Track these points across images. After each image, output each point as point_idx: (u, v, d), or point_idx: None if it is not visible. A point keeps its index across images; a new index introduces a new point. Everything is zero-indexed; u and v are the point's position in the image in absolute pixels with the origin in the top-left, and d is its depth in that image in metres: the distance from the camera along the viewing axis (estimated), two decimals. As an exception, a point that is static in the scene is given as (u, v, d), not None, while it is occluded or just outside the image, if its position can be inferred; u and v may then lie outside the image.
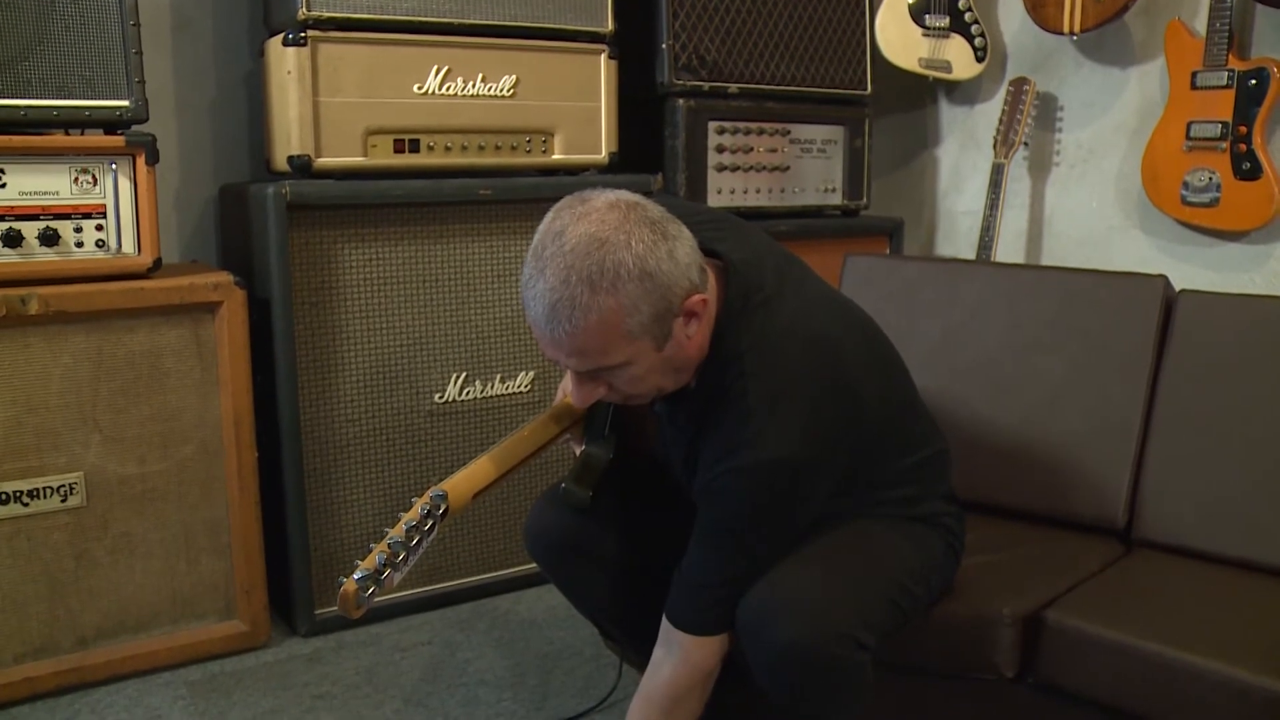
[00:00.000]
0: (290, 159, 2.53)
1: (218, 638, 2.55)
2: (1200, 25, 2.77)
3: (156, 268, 2.41)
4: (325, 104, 2.53)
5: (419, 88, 2.64)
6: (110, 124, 2.35)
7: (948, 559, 1.91)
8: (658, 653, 1.74)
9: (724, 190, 3.08)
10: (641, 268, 1.49)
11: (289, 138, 2.53)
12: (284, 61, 2.50)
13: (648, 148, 3.05)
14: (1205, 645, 1.81)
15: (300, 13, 2.47)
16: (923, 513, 1.88)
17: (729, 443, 1.62)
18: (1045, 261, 3.31)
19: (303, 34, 2.48)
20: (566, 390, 1.89)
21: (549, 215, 1.57)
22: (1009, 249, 3.33)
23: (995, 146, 3.15)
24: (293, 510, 2.58)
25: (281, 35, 2.51)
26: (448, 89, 2.67)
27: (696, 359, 1.65)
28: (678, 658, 1.71)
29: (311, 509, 2.62)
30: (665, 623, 1.72)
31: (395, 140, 2.63)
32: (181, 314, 2.42)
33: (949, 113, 3.55)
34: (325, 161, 2.55)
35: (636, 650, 2.09)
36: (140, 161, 2.36)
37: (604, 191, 1.58)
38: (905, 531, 1.83)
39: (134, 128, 2.38)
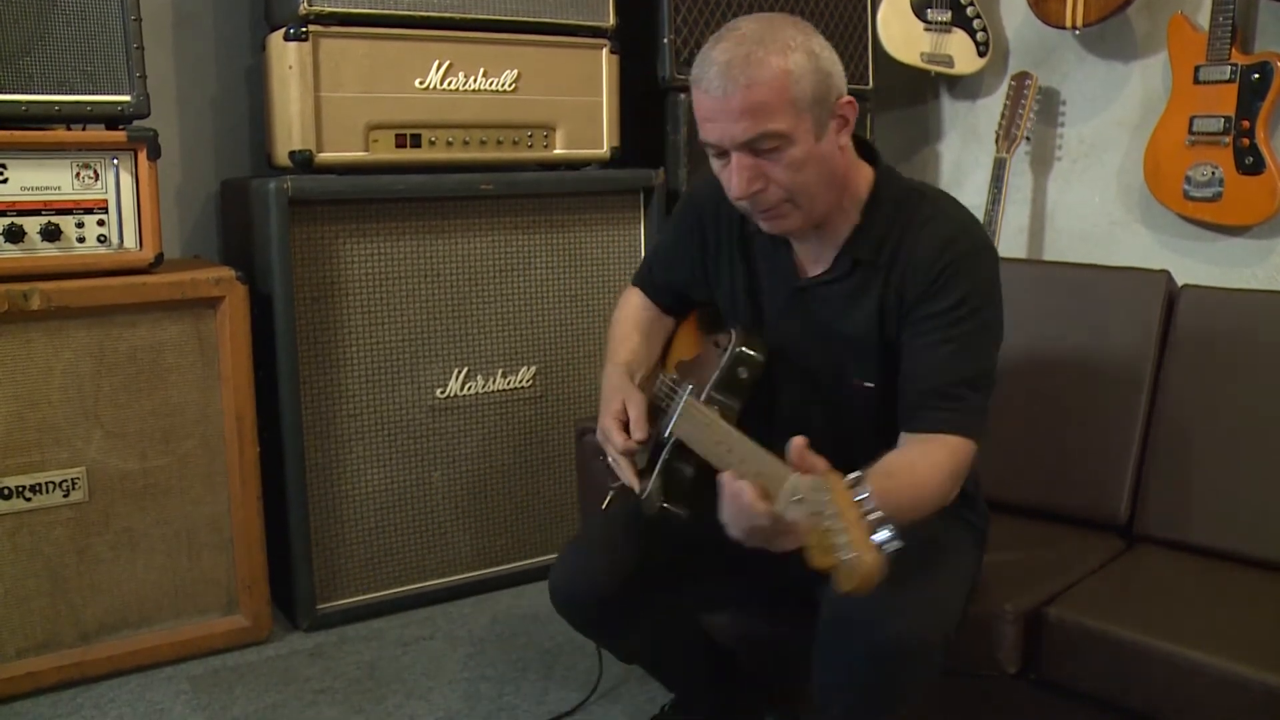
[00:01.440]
0: (292, 154, 2.53)
1: (220, 633, 2.55)
2: (1203, 19, 2.76)
3: (158, 263, 2.41)
4: (326, 99, 2.53)
5: (420, 82, 2.63)
6: (112, 119, 2.35)
7: (979, 566, 1.95)
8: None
9: (726, 185, 3.07)
10: (806, 47, 1.62)
11: (290, 133, 2.53)
12: (285, 56, 2.50)
13: (649, 142, 3.04)
14: (1206, 641, 1.81)
15: (301, 7, 2.47)
16: (976, 517, 1.94)
17: (942, 239, 1.70)
18: (1047, 257, 3.30)
19: (304, 29, 2.48)
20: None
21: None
22: (1011, 244, 3.32)
23: (997, 141, 3.14)
24: (294, 505, 2.58)
25: (283, 30, 2.50)
26: (449, 84, 2.67)
27: (848, 184, 1.74)
28: (941, 455, 1.65)
29: (313, 504, 2.62)
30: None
31: (397, 135, 2.63)
32: (183, 309, 2.42)
33: (951, 107, 3.55)
34: (327, 156, 2.55)
35: (675, 685, 2.12)
36: (142, 156, 2.36)
37: None
38: (973, 540, 1.91)
39: (135, 123, 2.38)
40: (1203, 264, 2.93)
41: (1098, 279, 2.52)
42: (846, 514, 1.27)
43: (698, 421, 1.66)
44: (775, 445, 1.66)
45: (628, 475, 1.82)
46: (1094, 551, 2.22)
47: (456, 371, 2.77)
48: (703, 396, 1.77)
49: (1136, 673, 1.83)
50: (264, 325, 2.53)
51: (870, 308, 1.76)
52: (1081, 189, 3.23)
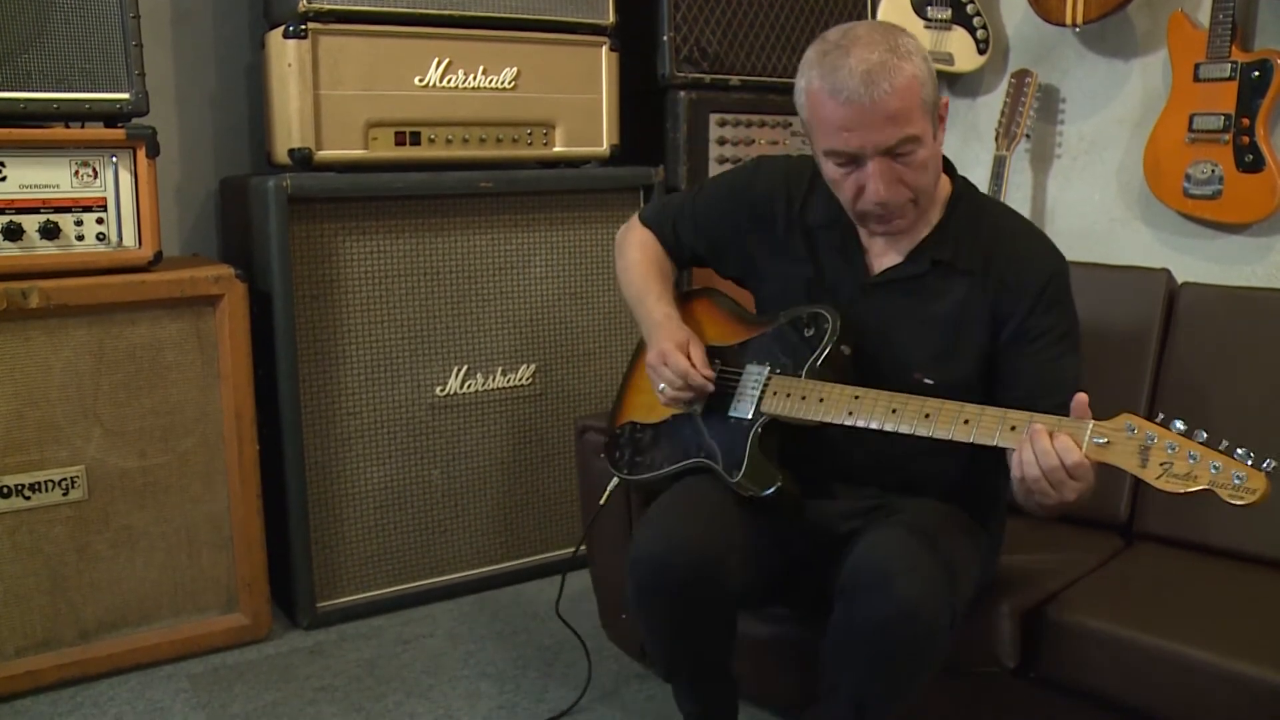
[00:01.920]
0: (291, 152, 2.53)
1: (219, 630, 2.56)
2: (1203, 17, 2.76)
3: (157, 261, 2.41)
4: (326, 96, 2.53)
5: (420, 80, 2.64)
6: (110, 117, 2.36)
7: (992, 567, 1.98)
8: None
9: (725, 182, 3.08)
10: (921, 51, 1.72)
11: (290, 130, 2.53)
12: (285, 54, 2.50)
13: (649, 140, 3.05)
14: (1205, 639, 1.82)
15: (301, 5, 2.47)
16: (996, 524, 1.99)
17: (1045, 255, 1.84)
18: (1047, 254, 3.30)
19: (303, 26, 2.48)
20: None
21: (817, 41, 1.75)
22: (1011, 241, 3.32)
23: (997, 139, 3.15)
24: (294, 503, 2.59)
25: (282, 28, 2.50)
26: (448, 81, 2.67)
27: (938, 179, 1.83)
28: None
29: (313, 502, 2.63)
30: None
31: (396, 133, 2.63)
32: (183, 307, 2.43)
33: (951, 105, 3.54)
34: (326, 154, 2.55)
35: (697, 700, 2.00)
36: (141, 154, 2.36)
37: None
38: (990, 542, 1.96)
39: (134, 120, 2.38)
40: (1203, 261, 2.93)
41: (1098, 277, 2.52)
42: (1186, 444, 1.45)
43: (838, 400, 1.73)
44: (831, 435, 1.80)
45: (689, 390, 1.87)
46: (1093, 550, 2.23)
47: (456, 369, 2.78)
48: (804, 373, 1.82)
49: (1135, 670, 1.84)
50: (263, 323, 2.54)
51: (950, 308, 1.83)
52: (1082, 186, 3.23)
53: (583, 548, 2.33)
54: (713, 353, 1.96)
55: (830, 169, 1.76)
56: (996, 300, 1.81)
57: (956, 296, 1.82)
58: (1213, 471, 1.44)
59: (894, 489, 1.90)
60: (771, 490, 1.79)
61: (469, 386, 2.80)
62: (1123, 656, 1.86)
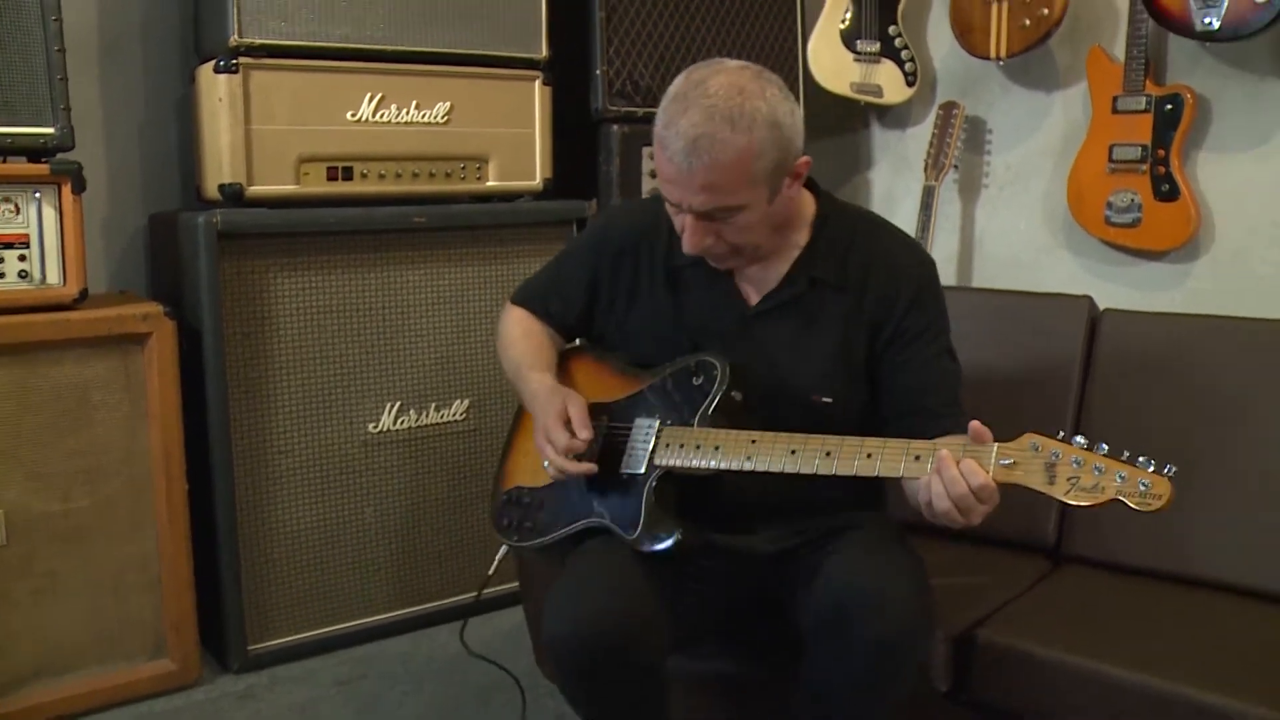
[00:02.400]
0: (221, 187, 2.52)
1: (146, 678, 2.51)
2: (1119, 52, 2.86)
3: (83, 298, 2.39)
4: (257, 131, 2.53)
5: (352, 115, 2.64)
6: (34, 151, 2.33)
7: None
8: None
9: (658, 215, 3.11)
10: (773, 118, 1.68)
11: (220, 166, 2.52)
12: (215, 89, 2.50)
13: (582, 174, 3.06)
14: (1133, 659, 1.87)
15: (231, 39, 2.47)
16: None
17: (912, 258, 1.89)
18: (976, 282, 3.37)
19: (234, 61, 2.48)
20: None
21: (682, 76, 1.75)
22: (941, 270, 3.28)
23: (926, 169, 3.22)
24: (224, 544, 2.56)
25: (213, 62, 2.50)
26: (381, 116, 2.67)
27: (791, 219, 1.85)
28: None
29: (244, 542, 2.60)
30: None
31: (328, 168, 2.63)
32: (109, 345, 2.40)
33: (881, 136, 3.62)
34: (257, 190, 2.54)
35: None
36: (66, 190, 2.34)
37: (732, 60, 1.78)
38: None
39: (59, 155, 2.36)
40: (1125, 288, 3.01)
41: (1024, 305, 2.60)
42: (1090, 458, 1.49)
43: (733, 445, 1.73)
44: (723, 476, 1.79)
45: (574, 468, 1.82)
46: (1022, 573, 2.28)
47: (389, 406, 2.77)
48: (696, 422, 1.79)
49: (1065, 693, 1.88)
50: (193, 361, 2.51)
51: (834, 325, 1.84)
52: (1008, 215, 3.31)
53: (515, 584, 2.30)
54: (599, 409, 1.91)
55: (667, 205, 1.79)
56: (874, 310, 1.84)
57: (837, 312, 1.85)
58: (1119, 481, 1.47)
59: (811, 512, 1.90)
60: (670, 544, 1.75)
61: (402, 423, 2.79)
62: (1052, 678, 1.90)
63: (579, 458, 1.82)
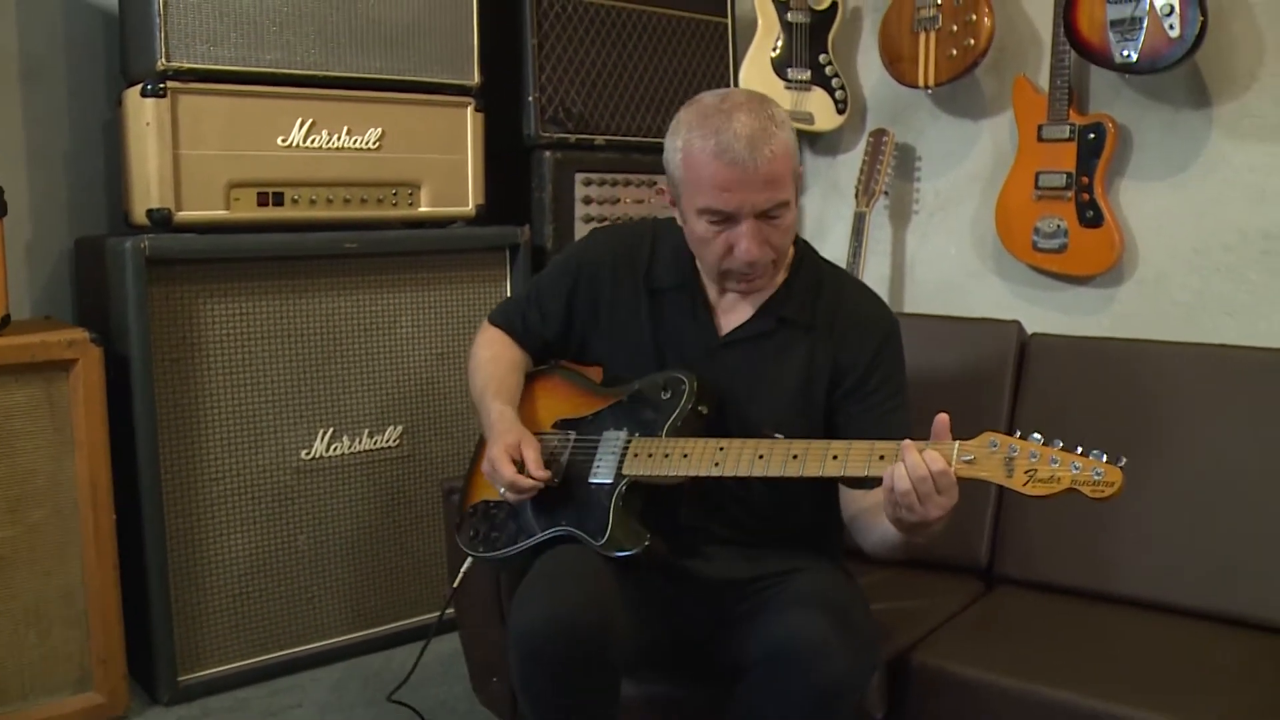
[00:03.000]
0: (149, 212, 2.50)
1: (72, 712, 2.47)
2: (1043, 82, 2.93)
3: (4, 324, 2.36)
4: (186, 156, 2.51)
5: (283, 140, 2.63)
6: (-44, 178, 2.30)
7: None
8: None
9: (593, 240, 3.13)
10: (790, 123, 1.82)
11: (148, 190, 2.50)
12: (142, 113, 2.48)
13: (515, 200, 3.08)
14: (1064, 678, 1.90)
15: (159, 63, 2.46)
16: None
17: (878, 312, 1.96)
18: (907, 306, 3.43)
19: (162, 85, 2.46)
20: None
21: (692, 103, 1.84)
22: (872, 295, 3.43)
23: (857, 195, 3.26)
24: (153, 573, 2.53)
25: (140, 86, 2.49)
26: (312, 141, 2.67)
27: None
28: None
29: (174, 571, 2.57)
30: None
31: (259, 193, 2.62)
32: (32, 373, 2.37)
33: (813, 163, 3.67)
34: (186, 215, 2.52)
35: None
36: (-12, 215, 2.31)
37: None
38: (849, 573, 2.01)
39: (-19, 181, 2.33)
40: (1052, 312, 3.08)
41: (954, 329, 2.64)
42: (1047, 451, 1.55)
43: (703, 453, 1.77)
44: (683, 500, 1.87)
45: (526, 484, 1.85)
46: (955, 595, 2.31)
47: (322, 432, 2.76)
48: (665, 433, 1.84)
49: (1000, 714, 1.91)
50: (121, 388, 2.49)
51: (797, 365, 1.90)
52: (938, 241, 3.37)
53: (449, 610, 2.30)
54: (567, 425, 1.97)
55: (701, 228, 1.82)
56: (837, 356, 1.90)
57: (802, 353, 1.90)
58: (1074, 471, 1.53)
59: (764, 544, 1.93)
60: (640, 549, 1.78)
61: (335, 449, 2.78)
62: (987, 700, 1.92)
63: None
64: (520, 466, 1.86)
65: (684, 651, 1.94)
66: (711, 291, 1.96)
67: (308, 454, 2.74)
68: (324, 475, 2.78)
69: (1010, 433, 1.59)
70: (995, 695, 1.92)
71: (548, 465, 1.88)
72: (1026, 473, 1.55)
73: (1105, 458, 1.53)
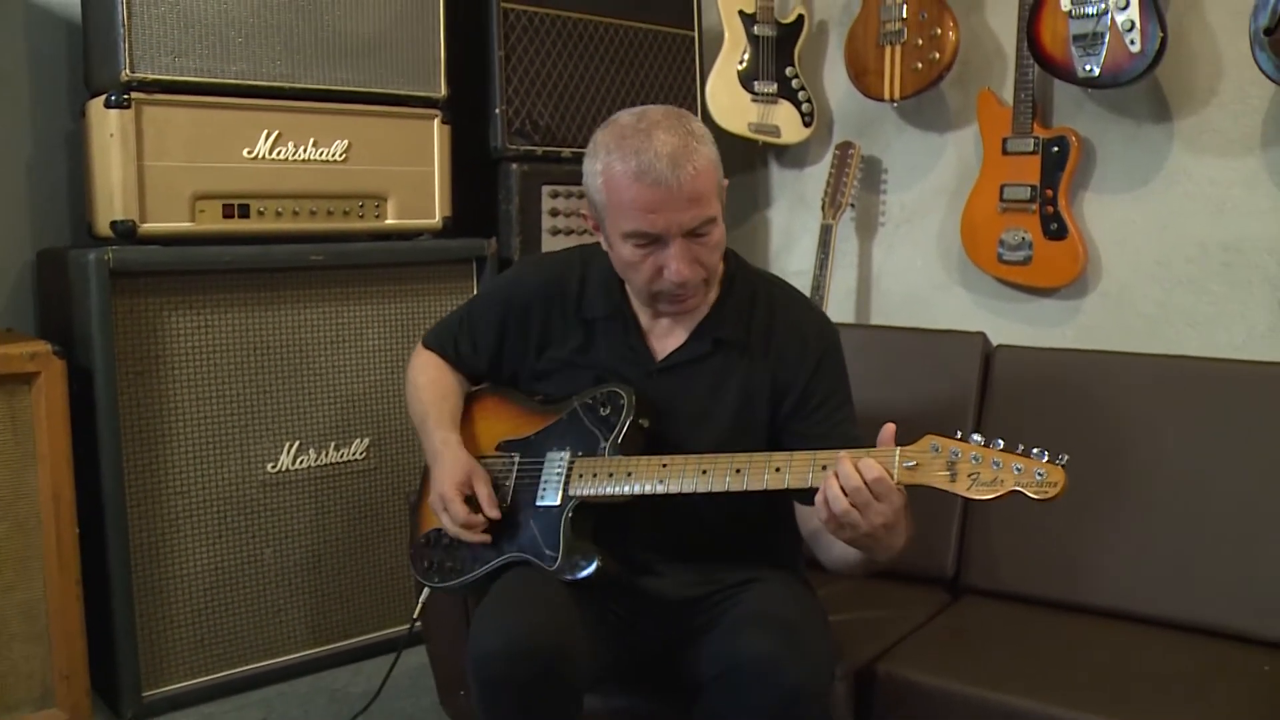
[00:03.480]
0: (113, 224, 2.49)
1: (34, 727, 2.46)
2: (1008, 95, 2.97)
3: (-33, 338, 2.34)
4: (150, 168, 2.51)
5: (249, 152, 2.63)
6: (-83, 189, 2.29)
7: None
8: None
9: (561, 253, 3.13)
10: (710, 136, 1.79)
11: (112, 202, 2.49)
12: (106, 124, 2.47)
13: (482, 212, 3.08)
14: (1029, 688, 1.92)
15: (123, 74, 2.45)
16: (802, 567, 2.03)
17: (815, 325, 1.94)
18: (874, 318, 3.46)
19: (126, 96, 2.46)
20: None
21: (609, 124, 1.81)
22: (839, 307, 3.47)
23: (824, 208, 3.29)
24: (117, 588, 2.52)
25: (104, 97, 2.48)
26: (278, 153, 2.67)
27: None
28: None
29: (138, 585, 2.56)
30: None
31: (224, 205, 2.61)
32: (-6, 386, 2.36)
33: (779, 175, 3.70)
34: (151, 227, 2.52)
35: None
36: (-50, 228, 2.30)
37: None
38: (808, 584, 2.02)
39: (-58, 193, 2.32)
40: (1017, 324, 3.12)
41: (919, 341, 2.66)
42: (988, 453, 1.55)
43: (644, 471, 1.78)
44: (633, 518, 1.87)
45: (472, 538, 1.86)
46: (921, 605, 2.32)
47: (288, 445, 2.75)
48: (607, 451, 1.85)
49: (961, 720, 1.93)
50: (84, 401, 2.47)
51: (735, 386, 1.88)
52: (904, 253, 3.40)
53: (418, 624, 2.30)
54: (509, 446, 1.96)
55: (628, 252, 1.79)
56: (775, 374, 1.89)
57: (740, 374, 1.89)
58: (1016, 473, 1.54)
59: (717, 559, 1.93)
60: (592, 569, 1.79)
61: (301, 462, 2.78)
62: (953, 710, 1.93)
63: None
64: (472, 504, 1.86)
65: (646, 667, 1.94)
66: (644, 317, 1.93)
67: (274, 467, 2.74)
68: (290, 488, 2.77)
69: (958, 431, 1.59)
70: (962, 705, 1.93)
71: (495, 490, 1.90)
72: (969, 476, 1.56)
73: (1046, 457, 1.54)
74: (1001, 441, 1.57)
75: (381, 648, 2.90)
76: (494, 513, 1.87)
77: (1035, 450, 1.55)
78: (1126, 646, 2.13)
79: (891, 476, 1.59)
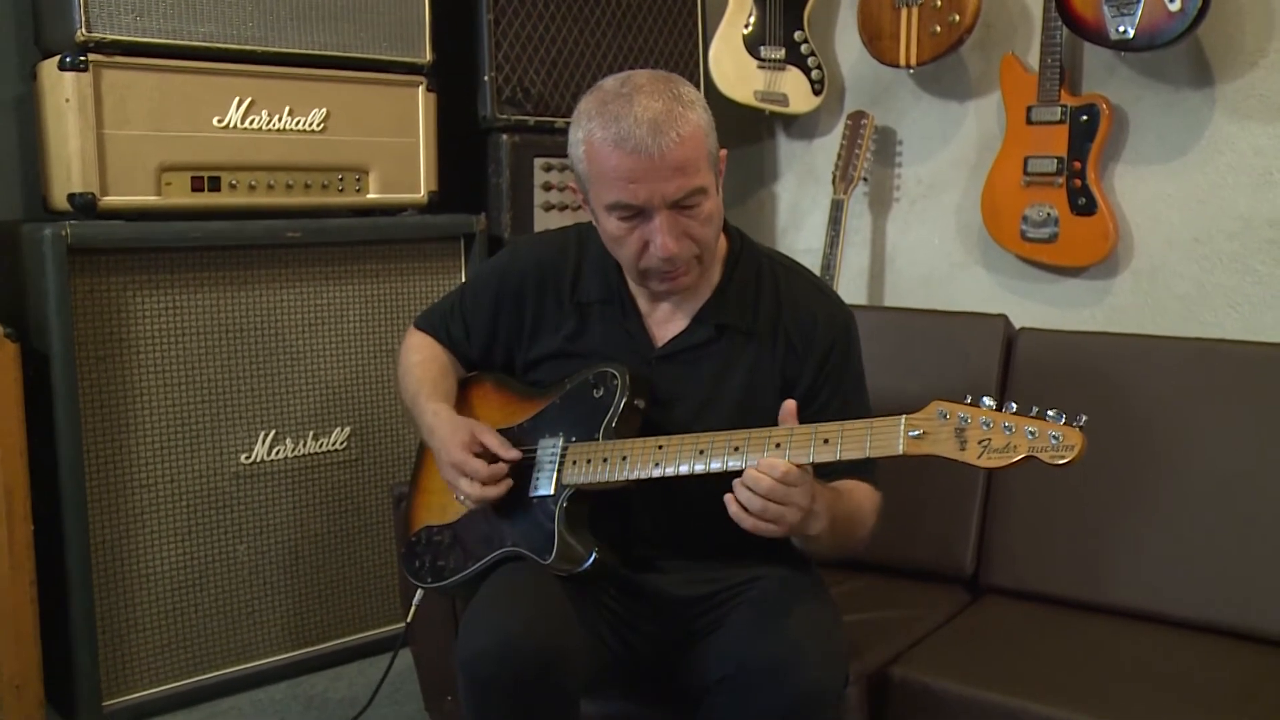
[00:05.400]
0: (71, 197, 2.43)
1: (-16, 740, 2.41)
2: (1033, 60, 2.90)
3: (-90, 320, 2.29)
4: (111, 136, 2.45)
5: (219, 120, 2.59)
6: None
7: None
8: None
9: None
10: (702, 100, 1.76)
11: (69, 173, 2.44)
12: (61, 88, 2.41)
13: (471, 186, 3.06)
14: (1050, 693, 1.89)
15: (79, 34, 2.38)
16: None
17: (828, 311, 1.90)
18: (888, 300, 3.41)
19: (82, 58, 2.39)
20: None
21: (595, 89, 1.78)
22: (851, 288, 3.41)
23: (834, 182, 3.24)
24: (76, 589, 2.47)
25: (57, 58, 2.42)
26: (251, 122, 2.63)
27: (719, 233, 1.86)
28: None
29: (98, 586, 2.51)
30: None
31: (193, 177, 2.57)
32: (-58, 371, 2.30)
33: (787, 147, 3.64)
34: (112, 200, 2.46)
35: None
36: (-108, 201, 2.24)
37: None
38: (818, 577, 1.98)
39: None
40: (1042, 305, 3.06)
41: (937, 324, 2.62)
42: (999, 417, 1.50)
43: (640, 454, 1.75)
44: (632, 510, 1.86)
45: (494, 493, 1.83)
46: (939, 605, 2.30)
47: (263, 435, 2.71)
48: (601, 435, 1.82)
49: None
50: (40, 387, 2.42)
51: (739, 373, 1.87)
52: (921, 230, 3.34)
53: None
54: (503, 435, 1.93)
55: (612, 225, 1.76)
56: (785, 363, 1.86)
57: (745, 360, 1.86)
58: (1029, 437, 1.49)
59: (721, 554, 1.90)
60: (589, 564, 1.76)
61: (277, 453, 2.74)
62: (971, 717, 1.91)
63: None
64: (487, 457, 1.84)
65: (644, 670, 1.91)
66: (643, 301, 1.91)
67: (248, 458, 2.70)
68: (265, 481, 2.73)
69: (967, 396, 1.54)
70: (981, 712, 1.90)
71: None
72: (980, 444, 1.51)
73: (1063, 419, 1.49)
74: (1015, 405, 1.52)
75: (363, 650, 2.88)
76: (512, 454, 1.84)
77: (1051, 412, 1.50)
78: (1157, 651, 2.10)
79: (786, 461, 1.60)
